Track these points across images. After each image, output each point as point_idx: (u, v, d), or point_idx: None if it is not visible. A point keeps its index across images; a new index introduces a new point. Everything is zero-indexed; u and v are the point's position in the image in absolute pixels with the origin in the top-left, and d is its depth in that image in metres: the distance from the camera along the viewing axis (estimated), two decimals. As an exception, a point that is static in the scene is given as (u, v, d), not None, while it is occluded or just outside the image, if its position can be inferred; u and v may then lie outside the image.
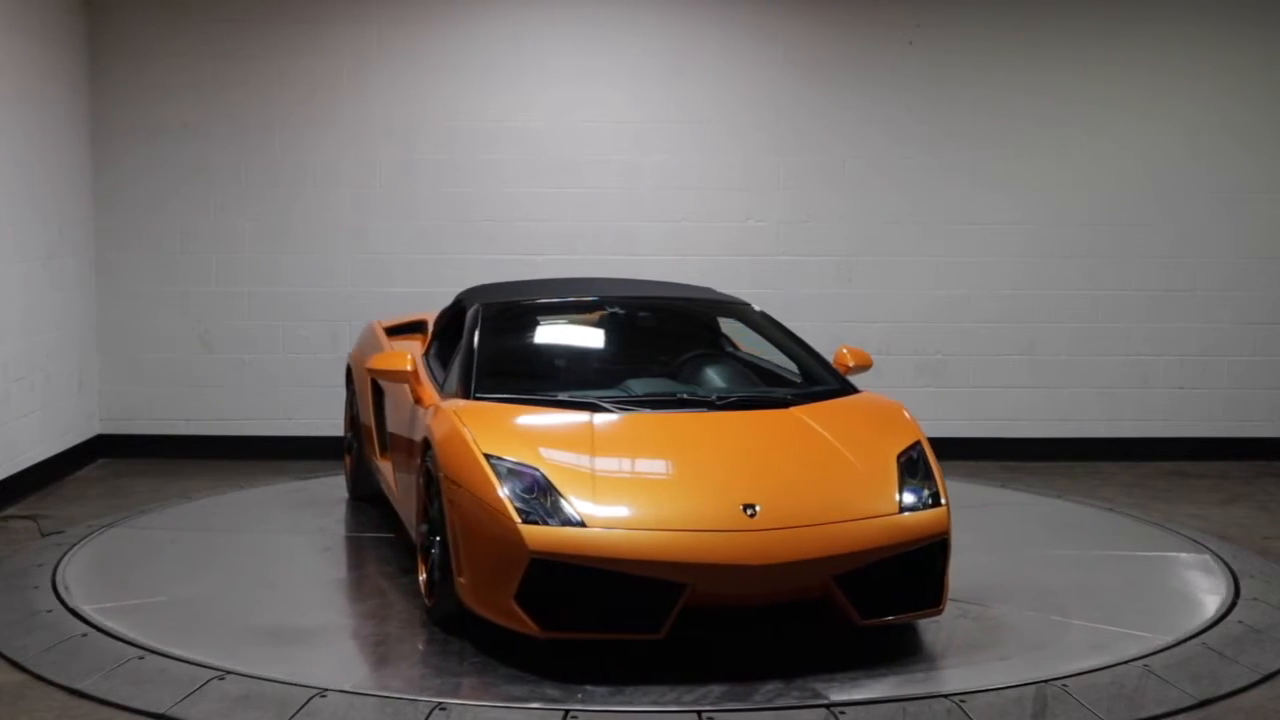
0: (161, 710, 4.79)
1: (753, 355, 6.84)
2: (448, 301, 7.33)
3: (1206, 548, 7.06)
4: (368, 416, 7.49)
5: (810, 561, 5.08)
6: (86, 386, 9.41)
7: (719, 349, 6.89)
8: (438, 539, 5.59)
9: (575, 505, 5.10)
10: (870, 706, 4.78)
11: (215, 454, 9.43)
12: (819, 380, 6.35)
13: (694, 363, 6.63)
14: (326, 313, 9.36)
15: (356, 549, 7.08)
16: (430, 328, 7.41)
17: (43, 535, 7.29)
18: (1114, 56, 9.68)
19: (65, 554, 6.75)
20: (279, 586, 6.32)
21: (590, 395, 5.97)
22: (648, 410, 5.82)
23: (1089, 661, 5.23)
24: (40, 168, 8.66)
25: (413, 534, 6.17)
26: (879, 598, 5.24)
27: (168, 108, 9.45)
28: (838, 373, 6.45)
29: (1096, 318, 9.76)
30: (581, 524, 5.04)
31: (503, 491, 5.15)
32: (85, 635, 5.52)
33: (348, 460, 8.19)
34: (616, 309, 6.85)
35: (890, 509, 5.30)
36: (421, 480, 5.82)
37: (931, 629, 5.60)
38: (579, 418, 5.69)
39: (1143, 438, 9.80)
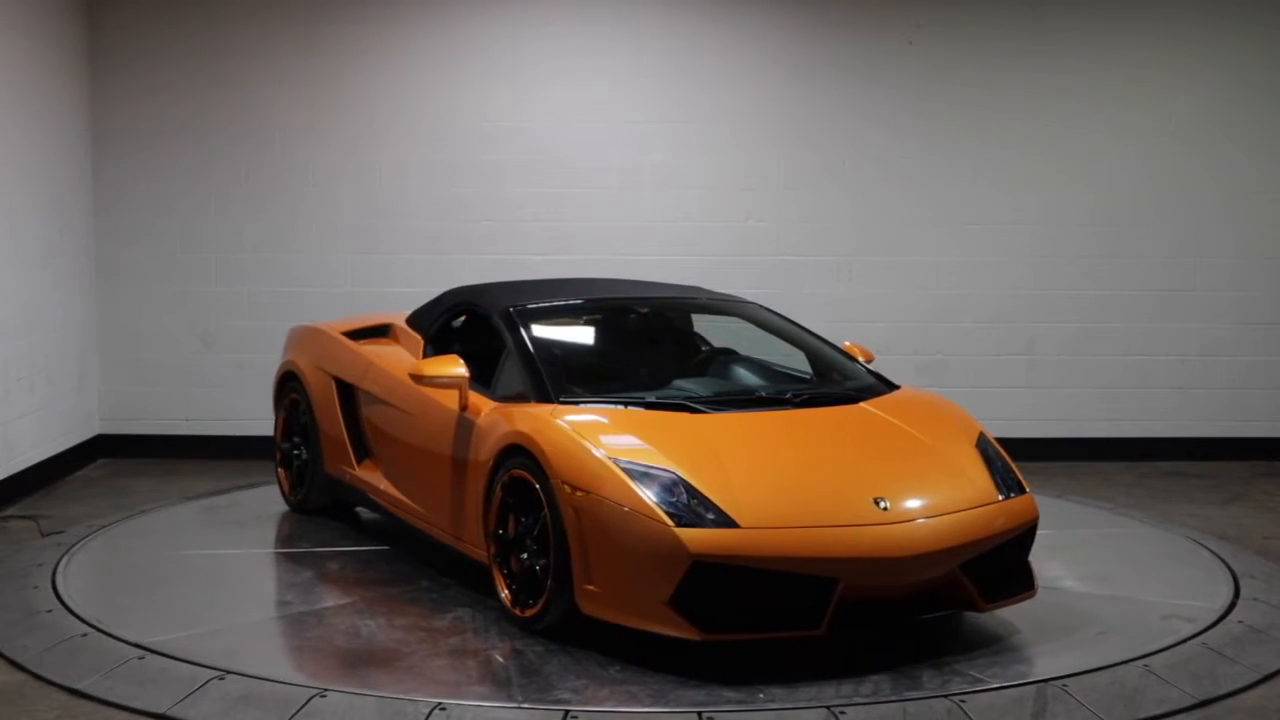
0: (161, 710, 4.79)
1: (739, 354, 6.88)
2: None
3: (1206, 548, 7.06)
4: (334, 426, 7.18)
5: (946, 550, 5.21)
6: (86, 386, 9.42)
7: (729, 348, 6.91)
8: (534, 549, 5.50)
9: (724, 506, 5.09)
10: (870, 706, 4.78)
11: (215, 454, 9.43)
12: (852, 376, 6.45)
13: (719, 361, 6.69)
14: (327, 313, 9.33)
15: (356, 550, 7.04)
16: (396, 331, 7.22)
17: (43, 535, 7.29)
18: (1115, 56, 9.68)
19: (65, 554, 6.75)
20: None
21: (672, 395, 5.98)
22: (735, 410, 5.83)
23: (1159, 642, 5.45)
24: (40, 168, 8.66)
25: (467, 547, 6.05)
26: (992, 583, 5.41)
27: (168, 108, 9.45)
28: (873, 370, 6.55)
29: (1096, 318, 9.76)
30: (736, 525, 5.04)
31: (648, 496, 5.11)
32: (85, 635, 5.51)
33: (283, 474, 7.73)
34: (645, 310, 6.89)
35: (992, 497, 5.49)
36: (499, 489, 5.68)
37: (1021, 611, 5.70)
38: (679, 419, 5.67)
39: (1143, 438, 9.80)
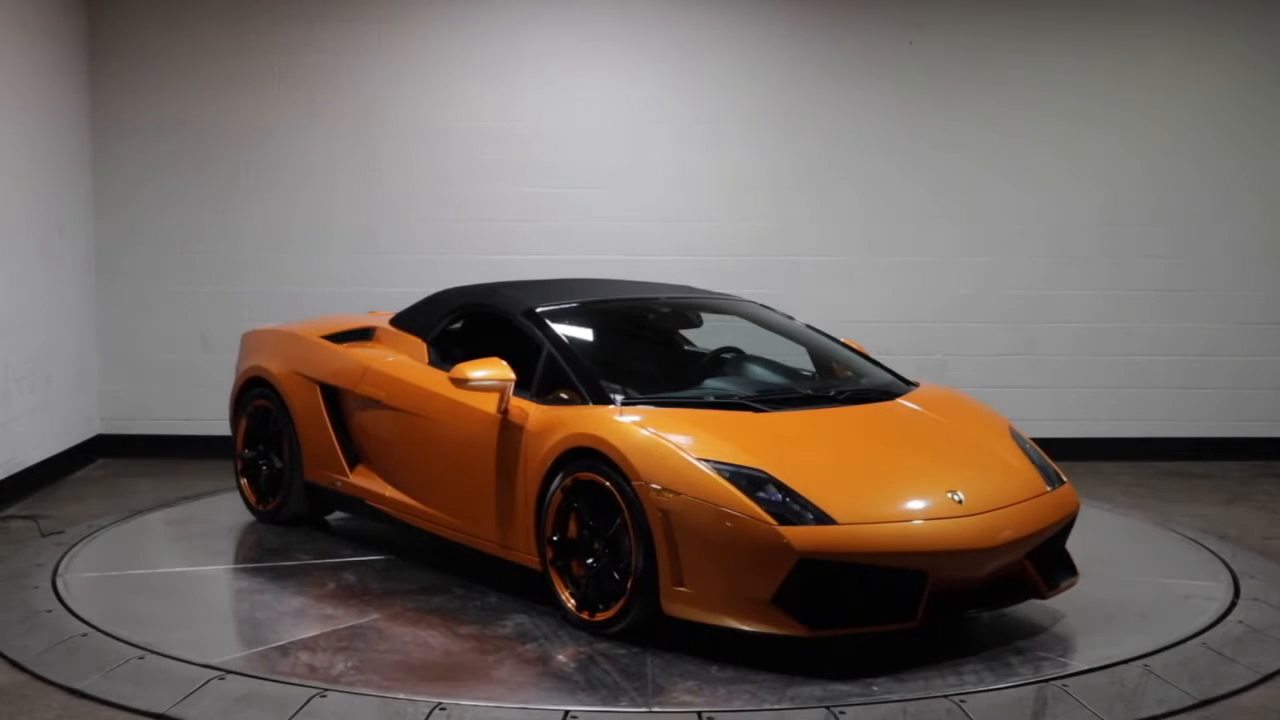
0: (161, 710, 4.78)
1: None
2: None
3: (1206, 548, 7.06)
4: (321, 432, 6.96)
5: (1019, 540, 5.35)
6: (86, 386, 9.42)
7: (735, 347, 6.89)
8: (606, 552, 5.44)
9: (818, 504, 5.12)
10: (870, 707, 4.78)
11: (215, 454, 9.40)
12: (866, 373, 6.52)
13: (735, 360, 6.69)
14: (326, 313, 9.34)
15: (362, 560, 6.99)
16: (382, 334, 7.06)
17: (43, 535, 7.29)
18: (1115, 56, 9.68)
19: (65, 554, 6.75)
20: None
21: (727, 394, 5.98)
22: (791, 408, 5.85)
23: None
24: (40, 167, 8.66)
25: (517, 555, 5.93)
26: (1049, 570, 5.59)
27: (168, 107, 9.46)
28: (885, 366, 6.64)
29: (1097, 318, 9.76)
30: (834, 521, 5.08)
31: (745, 495, 5.11)
32: (85, 635, 5.51)
33: (247, 484, 7.50)
34: (665, 310, 6.89)
35: (1042, 488, 5.65)
36: (558, 493, 5.61)
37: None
38: (744, 417, 5.67)
39: (1143, 438, 9.80)
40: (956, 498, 5.30)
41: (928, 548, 5.12)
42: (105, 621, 5.65)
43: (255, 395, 7.45)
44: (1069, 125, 9.69)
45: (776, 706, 4.79)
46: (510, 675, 5.13)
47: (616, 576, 5.43)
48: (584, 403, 5.82)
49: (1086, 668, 5.17)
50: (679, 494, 5.19)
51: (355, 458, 6.93)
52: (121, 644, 5.37)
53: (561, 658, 5.32)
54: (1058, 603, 5.83)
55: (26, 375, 8.37)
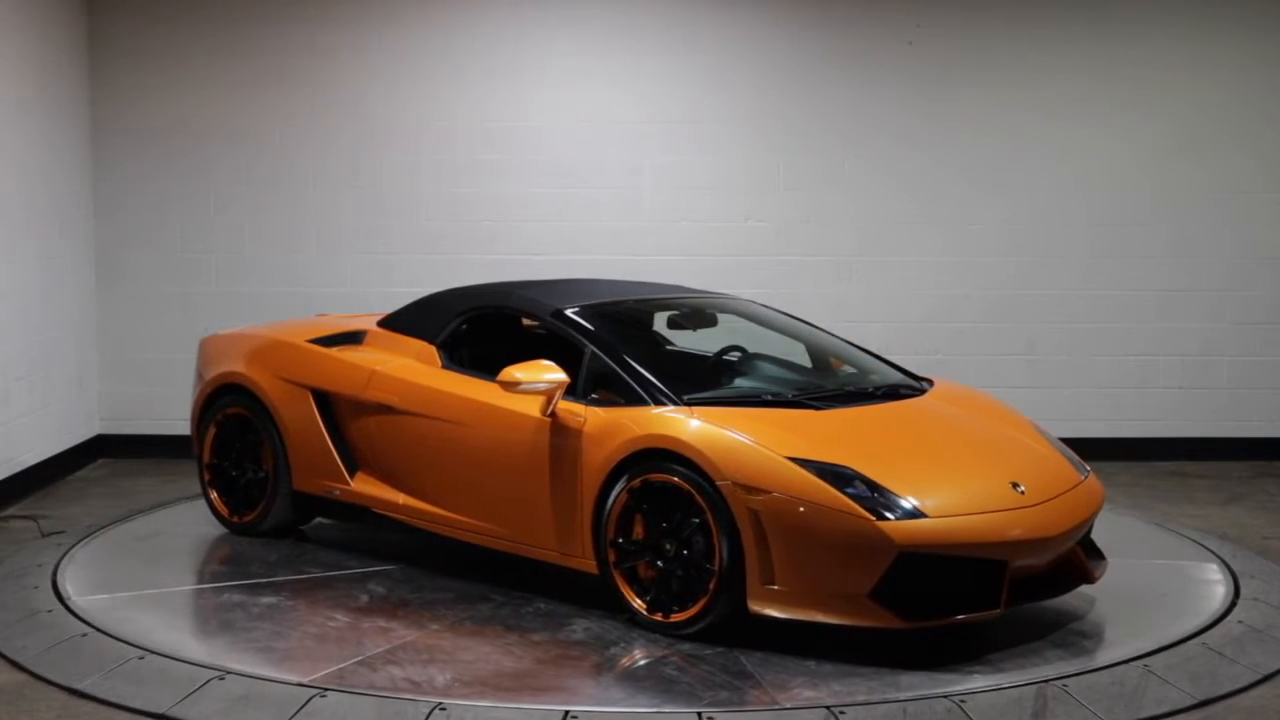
0: (161, 710, 4.79)
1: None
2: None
3: (1206, 548, 7.06)
4: (316, 440, 6.72)
5: (1076, 527, 5.56)
6: (86, 386, 9.42)
7: (740, 345, 6.88)
8: (683, 554, 5.40)
9: (906, 498, 5.19)
10: (870, 707, 4.78)
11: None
12: (875, 370, 6.58)
13: (748, 358, 6.68)
14: (335, 313, 9.35)
15: (376, 570, 6.78)
16: (374, 338, 6.93)
17: (43, 535, 7.30)
18: (1114, 56, 9.68)
19: (65, 554, 6.75)
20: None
21: (778, 392, 6.02)
22: (842, 405, 5.91)
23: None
24: (40, 167, 8.66)
25: (577, 561, 5.81)
26: (1088, 558, 5.78)
27: (168, 107, 9.46)
28: (893, 363, 6.73)
29: (1096, 317, 9.76)
30: (924, 515, 5.15)
31: (839, 492, 5.15)
32: (85, 635, 5.51)
33: (217, 496, 7.17)
34: (685, 310, 6.89)
35: (1078, 477, 5.83)
36: (622, 495, 5.53)
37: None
38: (806, 415, 5.70)
39: (1143, 438, 9.80)
40: (1020, 489, 5.42)
41: (1010, 537, 5.24)
42: (105, 622, 5.63)
43: (228, 402, 7.13)
44: (1067, 124, 9.68)
45: (777, 707, 4.79)
46: (618, 680, 5.11)
47: (694, 576, 5.39)
48: (642, 404, 5.74)
49: (1086, 668, 5.18)
50: (769, 493, 5.20)
51: (354, 465, 6.74)
52: (121, 644, 5.37)
53: (652, 661, 5.26)
54: (1056, 602, 5.82)
55: (26, 375, 8.37)
